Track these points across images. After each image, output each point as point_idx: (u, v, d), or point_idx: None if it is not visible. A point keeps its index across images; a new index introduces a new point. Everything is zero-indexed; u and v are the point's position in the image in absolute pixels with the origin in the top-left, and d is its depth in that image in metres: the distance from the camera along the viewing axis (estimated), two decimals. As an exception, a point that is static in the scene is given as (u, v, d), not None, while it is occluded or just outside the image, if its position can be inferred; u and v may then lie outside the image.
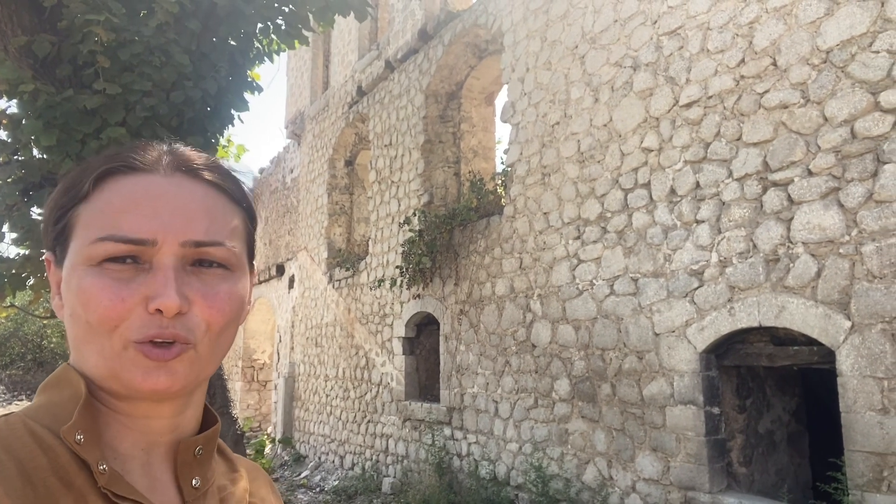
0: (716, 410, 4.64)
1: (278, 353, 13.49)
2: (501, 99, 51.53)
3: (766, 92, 4.35)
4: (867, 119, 3.80)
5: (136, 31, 3.57)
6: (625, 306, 5.27)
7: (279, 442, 12.30)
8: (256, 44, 4.55)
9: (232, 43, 4.21)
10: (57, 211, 0.64)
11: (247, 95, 4.50)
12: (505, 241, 6.72)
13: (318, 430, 10.98)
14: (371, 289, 9.36)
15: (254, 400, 15.72)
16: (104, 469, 0.58)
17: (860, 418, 3.70)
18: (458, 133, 8.62)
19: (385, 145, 9.52)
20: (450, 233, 7.61)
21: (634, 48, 5.38)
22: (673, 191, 4.95)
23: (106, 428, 0.63)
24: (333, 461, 10.29)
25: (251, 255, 0.72)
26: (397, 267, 8.25)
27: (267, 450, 12.31)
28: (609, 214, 5.49)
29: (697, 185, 4.76)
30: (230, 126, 4.25)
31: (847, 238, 3.86)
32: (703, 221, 4.70)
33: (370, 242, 9.66)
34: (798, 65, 4.17)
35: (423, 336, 8.53)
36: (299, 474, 10.70)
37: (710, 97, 4.72)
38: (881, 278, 3.68)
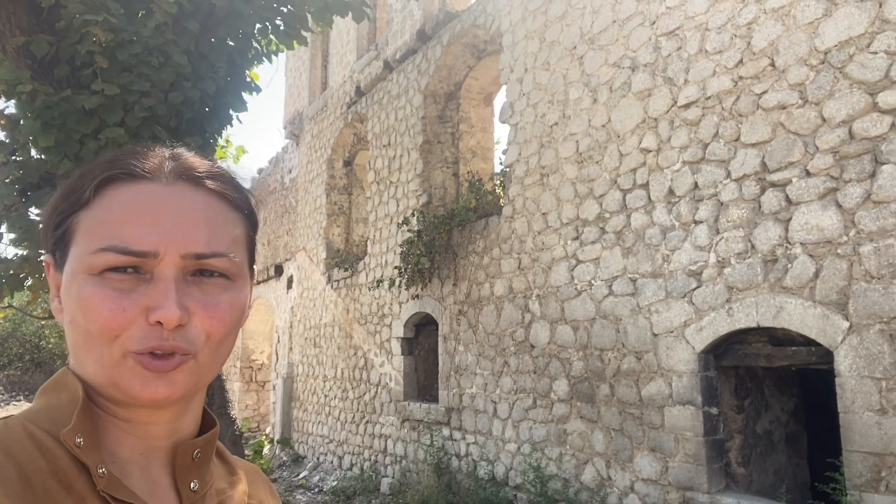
0: (714, 411, 4.65)
1: (277, 354, 13.48)
2: (500, 99, 51.54)
3: (765, 93, 4.35)
4: (865, 120, 3.81)
5: (135, 31, 3.56)
6: (623, 307, 5.28)
7: (278, 442, 12.29)
8: (255, 44, 4.55)
9: (230, 43, 4.21)
10: (57, 216, 0.65)
11: (245, 96, 4.50)
12: (503, 242, 6.72)
13: (317, 430, 10.98)
14: (370, 289, 9.36)
15: (252, 400, 15.71)
16: (103, 473, 0.58)
17: (858, 418, 3.70)
18: (457, 133, 8.62)
19: (384, 146, 9.52)
20: (448, 233, 7.60)
21: (633, 49, 5.38)
22: (671, 191, 4.95)
23: (104, 432, 0.63)
24: (332, 462, 10.29)
25: (252, 260, 0.72)
26: (396, 267, 8.25)
27: (265, 450, 12.30)
28: (607, 215, 5.50)
29: (696, 185, 4.77)
30: (229, 126, 4.26)
31: (845, 238, 3.86)
32: (701, 222, 4.70)
33: (369, 243, 9.66)
34: (796, 65, 4.18)
35: (421, 336, 8.52)
36: (298, 475, 10.69)
37: (709, 98, 4.72)
38: (879, 279, 3.68)
